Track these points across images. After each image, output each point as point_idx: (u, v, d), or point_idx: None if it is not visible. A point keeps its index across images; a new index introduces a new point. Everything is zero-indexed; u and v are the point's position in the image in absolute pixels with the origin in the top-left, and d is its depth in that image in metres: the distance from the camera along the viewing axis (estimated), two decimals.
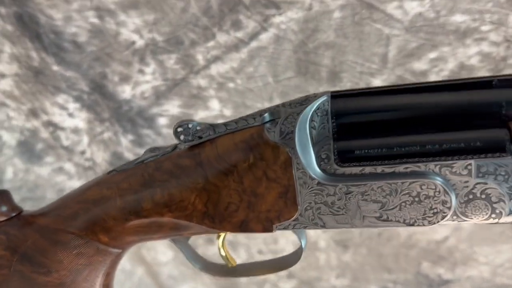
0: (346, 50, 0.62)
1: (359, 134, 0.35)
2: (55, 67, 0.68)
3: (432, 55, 0.60)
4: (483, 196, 0.33)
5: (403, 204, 0.34)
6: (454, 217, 0.34)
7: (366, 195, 0.35)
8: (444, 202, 0.34)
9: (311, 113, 0.36)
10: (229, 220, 0.38)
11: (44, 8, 0.64)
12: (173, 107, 0.69)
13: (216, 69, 0.66)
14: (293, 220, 0.37)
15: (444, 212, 0.34)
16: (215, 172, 0.38)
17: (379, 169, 0.34)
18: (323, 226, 0.36)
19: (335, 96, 0.36)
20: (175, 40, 0.65)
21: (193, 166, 0.39)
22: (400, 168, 0.34)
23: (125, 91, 0.69)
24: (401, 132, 0.35)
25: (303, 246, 0.43)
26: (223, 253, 0.45)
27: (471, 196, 0.33)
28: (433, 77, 0.61)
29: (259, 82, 0.65)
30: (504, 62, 0.58)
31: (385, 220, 0.35)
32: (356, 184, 0.35)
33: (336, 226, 0.36)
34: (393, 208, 0.34)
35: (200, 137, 0.39)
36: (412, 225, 0.34)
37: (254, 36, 0.62)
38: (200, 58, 0.66)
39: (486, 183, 0.33)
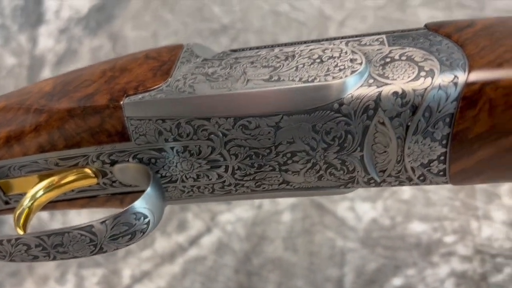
0: (295, 271, 0.52)
1: None
2: None
3: (397, 281, 0.48)
4: (403, 58, 0.27)
5: (301, 66, 0.28)
6: (371, 80, 0.26)
7: (257, 62, 0.29)
8: (353, 60, 0.27)
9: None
10: (71, 95, 0.30)
11: None
12: None
13: None
14: (155, 89, 0.29)
15: (354, 68, 0.26)
16: None
17: (276, 49, 0.30)
18: (192, 93, 0.28)
19: None
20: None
21: None
22: (301, 47, 0.29)
23: None
24: None
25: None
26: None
27: (388, 60, 0.27)
28: None
29: None
30: (486, 282, 0.45)
31: (276, 80, 0.27)
32: (248, 56, 0.30)
33: (208, 92, 0.28)
34: (287, 70, 0.28)
35: None
36: (312, 82, 0.26)
37: (196, 239, 0.56)
38: (126, 275, 0.56)
39: (403, 48, 0.27)
